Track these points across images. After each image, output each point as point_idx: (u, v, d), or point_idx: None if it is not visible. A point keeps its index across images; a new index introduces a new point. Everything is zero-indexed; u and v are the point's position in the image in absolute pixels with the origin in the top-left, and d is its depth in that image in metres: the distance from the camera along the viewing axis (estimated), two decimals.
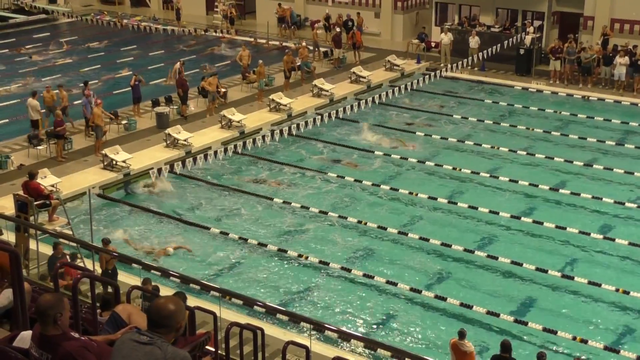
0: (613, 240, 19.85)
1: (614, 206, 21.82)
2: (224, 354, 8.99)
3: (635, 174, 23.87)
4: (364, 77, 33.18)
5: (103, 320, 7.48)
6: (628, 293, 17.37)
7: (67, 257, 16.73)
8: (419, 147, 26.57)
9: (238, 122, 27.53)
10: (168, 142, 25.66)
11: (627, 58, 31.07)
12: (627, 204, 21.86)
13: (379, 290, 17.91)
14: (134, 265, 15.63)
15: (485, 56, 33.62)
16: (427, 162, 25.10)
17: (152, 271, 15.73)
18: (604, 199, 22.07)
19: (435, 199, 22.34)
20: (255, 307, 15.84)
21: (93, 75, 33.56)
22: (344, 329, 14.49)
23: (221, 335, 9.35)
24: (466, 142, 26.96)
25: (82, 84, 28.33)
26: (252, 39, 39.49)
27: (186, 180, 23.99)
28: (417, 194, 22.65)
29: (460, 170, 24.42)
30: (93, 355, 5.63)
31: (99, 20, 45.47)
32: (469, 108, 30.68)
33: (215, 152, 24.76)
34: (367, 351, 15.22)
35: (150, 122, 27.84)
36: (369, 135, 27.54)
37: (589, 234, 20.14)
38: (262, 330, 9.87)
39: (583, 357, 14.76)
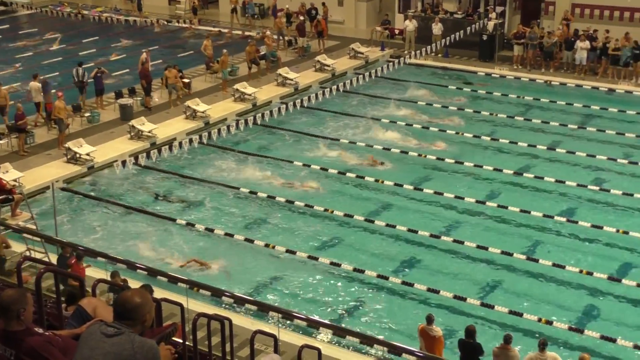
0: (576, 222, 20.12)
1: (577, 189, 22.10)
2: (191, 345, 8.96)
3: (597, 156, 24.19)
4: (329, 66, 33.19)
5: (69, 315, 7.43)
6: (591, 274, 17.65)
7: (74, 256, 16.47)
8: (385, 135, 26.63)
9: (202, 112, 27.40)
10: (132, 133, 25.46)
11: (587, 42, 31.41)
12: (590, 187, 22.16)
13: (347, 277, 17.98)
14: (99, 258, 15.50)
15: (448, 42, 33.79)
16: (392, 150, 25.18)
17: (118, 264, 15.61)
18: (567, 182, 22.34)
19: (401, 185, 22.45)
20: (223, 297, 15.83)
21: (57, 67, 33.18)
22: (312, 317, 14.53)
23: (189, 326, 9.32)
24: (431, 128, 27.09)
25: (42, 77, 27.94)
26: (215, 29, 39.21)
27: (151, 172, 23.83)
28: (383, 181, 22.74)
29: (425, 156, 24.56)
30: (57, 349, 5.60)
31: (59, 12, 44.88)
32: (434, 94, 30.80)
33: (180, 143, 24.68)
34: (336, 339, 15.29)
35: (113, 114, 27.60)
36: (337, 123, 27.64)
37: (552, 217, 20.40)
38: (229, 320, 9.85)
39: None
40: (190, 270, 17.96)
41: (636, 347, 15.03)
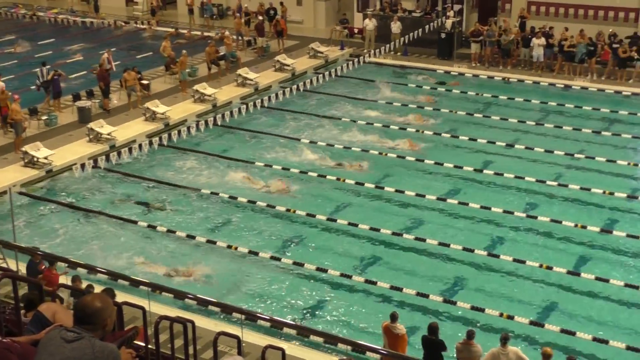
0: (535, 218, 20.37)
1: (536, 184, 22.37)
2: (154, 348, 8.90)
3: (555, 152, 24.51)
4: (288, 65, 33.17)
5: (27, 321, 7.33)
6: (551, 268, 17.87)
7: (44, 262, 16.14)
8: (345, 134, 26.69)
9: (162, 114, 27.20)
10: (91, 136, 25.19)
11: (543, 39, 31.82)
12: (548, 182, 22.44)
13: (310, 277, 17.99)
14: (60, 263, 15.35)
15: (407, 41, 33.98)
16: (353, 148, 25.26)
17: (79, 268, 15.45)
18: (526, 178, 22.60)
19: (362, 184, 22.53)
20: (186, 300, 15.74)
21: (13, 70, 32.69)
22: (276, 317, 14.53)
23: (151, 330, 9.27)
24: (391, 127, 27.21)
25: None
26: (173, 30, 38.96)
27: (111, 175, 23.61)
28: (344, 180, 22.79)
29: (386, 155, 24.68)
30: (16, 356, 5.52)
31: (13, 14, 44.22)
32: (394, 93, 30.96)
33: (140, 145, 24.48)
34: (300, 338, 15.28)
35: (71, 117, 27.28)
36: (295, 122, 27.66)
37: (512, 213, 20.62)
38: (192, 322, 9.82)
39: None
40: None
41: (595, 339, 15.26)
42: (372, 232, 19.81)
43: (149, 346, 8.92)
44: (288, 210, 21.03)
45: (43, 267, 15.52)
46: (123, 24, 41.82)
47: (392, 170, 23.83)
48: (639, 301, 16.88)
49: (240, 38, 36.43)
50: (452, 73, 33.06)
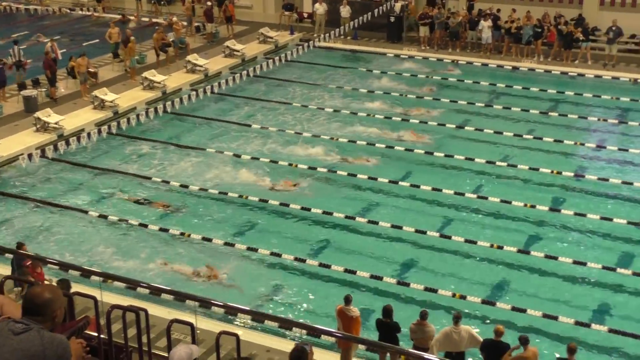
0: (486, 198, 20.63)
1: (486, 166, 22.63)
2: (106, 337, 8.82)
3: (504, 133, 24.82)
4: (238, 51, 32.98)
5: None
6: (501, 248, 18.14)
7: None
8: (297, 119, 26.68)
9: (111, 102, 26.85)
10: (38, 126, 24.77)
11: (490, 21, 32.12)
12: (498, 163, 22.73)
13: (264, 262, 17.97)
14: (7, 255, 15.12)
15: (356, 25, 34.01)
16: (304, 134, 25.27)
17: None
18: (476, 160, 22.86)
19: (315, 168, 22.55)
20: (139, 288, 15.64)
21: None
22: (230, 303, 14.47)
23: (104, 320, 9.18)
24: (342, 111, 27.26)
25: None
26: (120, 16, 38.41)
27: (60, 164, 23.26)
28: (297, 165, 22.79)
29: (337, 139, 24.72)
30: None
31: None
32: (344, 77, 31.02)
33: (89, 134, 24.16)
34: (254, 324, 15.29)
35: (17, 106, 26.79)
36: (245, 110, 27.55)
37: (463, 194, 20.85)
38: (145, 311, 9.74)
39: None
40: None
41: (545, 316, 15.55)
42: (325, 215, 19.86)
43: (102, 336, 8.84)
44: (240, 196, 20.95)
45: (29, 262, 15.02)
46: (68, 10, 41.08)
47: (344, 154, 23.85)
48: (587, 277, 17.22)
49: (189, 24, 36.09)
50: (402, 56, 33.20)
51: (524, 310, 15.73)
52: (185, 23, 35.51)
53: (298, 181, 21.94)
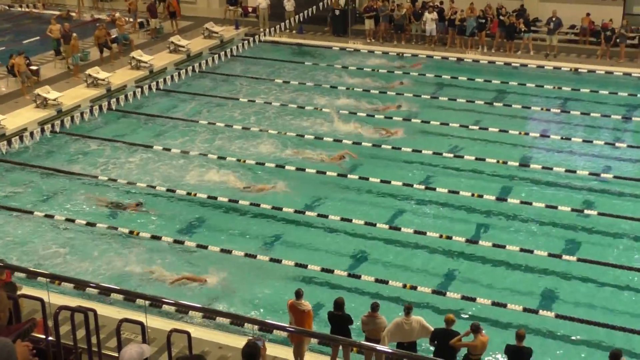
0: (434, 189, 20.82)
1: (433, 157, 22.84)
2: (55, 339, 8.69)
3: (450, 124, 25.08)
4: (183, 46, 32.72)
5: None
6: (450, 238, 18.33)
7: None
8: (244, 114, 26.58)
9: (54, 100, 26.41)
10: None
11: (435, 14, 32.40)
12: (445, 154, 22.95)
13: (214, 259, 17.85)
14: None
15: (301, 18, 34.00)
16: (252, 129, 25.19)
17: None
18: (423, 151, 23.05)
19: (263, 164, 22.49)
20: (88, 289, 15.43)
21: None
22: (181, 301, 14.36)
23: (52, 321, 9.04)
24: (290, 105, 27.24)
25: None
26: (62, 12, 37.75)
27: (2, 165, 22.79)
28: (244, 161, 22.71)
29: (285, 134, 24.69)
30: None
31: None
32: (290, 71, 31.00)
33: (32, 133, 23.72)
34: (206, 321, 15.20)
35: None
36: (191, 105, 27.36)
37: (411, 186, 21.01)
38: (94, 311, 9.62)
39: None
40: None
41: (494, 304, 15.78)
42: (274, 210, 19.84)
43: (50, 338, 8.71)
44: (189, 193, 20.80)
45: None
46: (7, 7, 40.22)
47: (294, 147, 23.80)
48: (534, 265, 17.51)
49: (132, 20, 35.66)
50: (347, 49, 33.31)
51: (473, 299, 15.94)
52: (128, 19, 35.06)
53: (251, 175, 21.84)
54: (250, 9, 37.55)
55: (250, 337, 12.77)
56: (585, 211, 19.65)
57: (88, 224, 19.29)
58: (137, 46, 32.37)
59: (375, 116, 26.01)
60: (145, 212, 19.99)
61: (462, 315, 15.28)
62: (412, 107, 26.89)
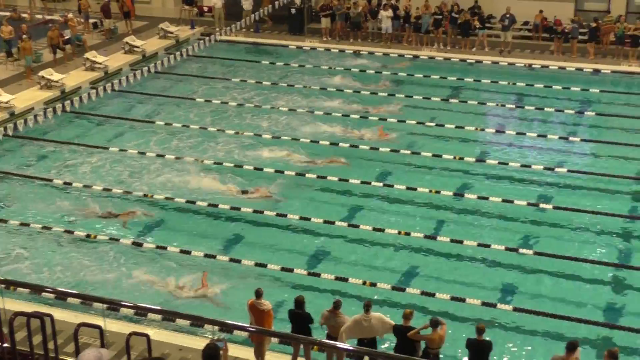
0: (392, 186, 20.92)
1: (391, 154, 22.94)
2: (10, 346, 8.56)
3: (407, 121, 25.21)
4: (138, 47, 32.43)
5: None
6: (409, 234, 18.45)
7: None
8: (201, 114, 26.45)
9: (6, 102, 25.99)
10: None
11: (391, 11, 32.56)
12: (402, 151, 23.06)
13: (173, 260, 17.73)
14: None
15: (258, 17, 33.91)
16: (209, 129, 25.08)
17: None
18: (381, 149, 23.15)
19: (221, 163, 22.40)
20: (44, 294, 15.19)
21: None
22: (139, 304, 14.24)
23: (6, 328, 8.90)
24: (246, 104, 27.17)
25: None
26: (13, 13, 37.09)
27: None
28: (203, 161, 22.61)
29: (242, 133, 24.62)
30: None
31: None
32: (247, 71, 30.92)
33: None
34: (166, 323, 15.08)
35: None
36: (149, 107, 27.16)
37: (369, 183, 21.09)
38: (50, 316, 9.50)
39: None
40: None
41: (453, 298, 15.91)
42: (232, 211, 19.77)
43: (5, 345, 8.58)
44: (145, 195, 20.63)
45: None
46: None
47: (248, 147, 23.73)
48: (492, 259, 17.70)
49: (86, 20, 35.24)
50: (304, 48, 33.32)
51: (433, 295, 16.06)
52: (81, 19, 34.65)
53: (210, 176, 21.72)
54: (205, 9, 37.34)
55: (212, 339, 12.75)
56: (541, 205, 19.92)
57: (44, 227, 19.01)
58: (91, 47, 31.99)
59: (333, 114, 26.03)
60: (109, 216, 19.73)
61: (422, 311, 15.35)
62: (369, 105, 26.97)
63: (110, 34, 34.44)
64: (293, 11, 34.89)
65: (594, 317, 15.57)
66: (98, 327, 9.88)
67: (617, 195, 20.69)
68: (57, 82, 28.13)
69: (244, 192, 20.59)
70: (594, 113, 26.25)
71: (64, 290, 14.00)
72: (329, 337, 13.39)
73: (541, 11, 32.17)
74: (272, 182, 21.31)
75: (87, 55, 30.37)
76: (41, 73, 28.15)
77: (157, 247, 18.14)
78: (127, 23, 34.95)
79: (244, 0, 34.71)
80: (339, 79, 29.59)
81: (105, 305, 13.10)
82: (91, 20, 35.42)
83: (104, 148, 23.69)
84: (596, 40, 30.92)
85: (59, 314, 12.46)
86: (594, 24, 30.77)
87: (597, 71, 29.84)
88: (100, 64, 30.23)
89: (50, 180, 21.60)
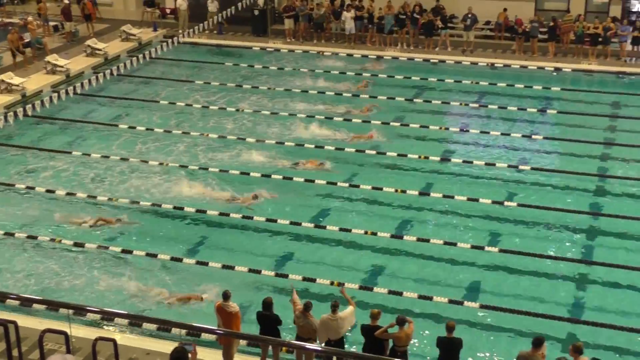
0: (358, 186, 20.96)
1: (356, 155, 23.00)
2: None
3: (372, 122, 25.29)
4: (100, 50, 32.17)
5: None
6: (375, 234, 18.51)
7: None
8: (166, 116, 26.30)
9: None
10: None
11: (354, 11, 32.65)
12: (367, 151, 23.13)
13: (136, 262, 17.57)
14: None
15: (221, 19, 33.80)
16: (174, 131, 24.96)
17: None
18: (346, 149, 23.20)
19: (186, 166, 22.28)
20: (8, 300, 14.97)
21: None
22: (106, 308, 14.12)
23: None
24: (211, 107, 27.07)
25: None
26: None
27: None
28: (167, 164, 22.49)
29: (207, 135, 24.53)
30: None
31: None
32: (211, 73, 30.80)
33: None
34: (133, 328, 14.95)
35: None
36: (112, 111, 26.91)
37: (335, 184, 21.11)
38: (14, 323, 9.36)
39: None
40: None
41: (420, 297, 16.00)
42: (198, 214, 19.67)
43: None
44: (110, 199, 20.44)
45: None
46: None
47: (215, 150, 23.64)
48: (458, 257, 17.82)
49: (46, 23, 34.85)
50: (268, 49, 33.29)
51: (400, 293, 16.13)
52: (41, 22, 34.24)
53: (174, 179, 21.58)
54: (168, 11, 37.13)
55: (180, 342, 12.67)
56: (506, 203, 20.11)
57: (6, 233, 18.75)
58: (52, 50, 31.64)
59: (298, 115, 26.04)
60: (78, 222, 19.53)
61: (390, 310, 15.39)
62: (336, 105, 27.00)
63: (72, 37, 34.09)
64: (256, 12, 34.83)
65: (559, 312, 15.76)
66: (64, 333, 9.76)
67: (579, 192, 20.95)
68: (17, 85, 27.79)
69: (235, 199, 20.41)
70: (555, 111, 26.57)
71: (29, 296, 13.81)
72: (298, 338, 13.38)
73: (505, 10, 32.46)
74: (236, 184, 21.22)
75: (48, 58, 30.03)
76: (1, 77, 27.79)
77: (123, 250, 17.97)
78: (89, 26, 34.64)
79: (210, 2, 34.56)
80: (303, 80, 29.59)
81: (71, 311, 12.96)
82: (52, 23, 35.04)
83: (66, 152, 23.43)
84: (556, 39, 31.32)
85: (23, 321, 12.29)
86: (552, 23, 31.16)
87: (558, 70, 30.22)
88: (61, 67, 29.92)
89: (13, 185, 21.30)
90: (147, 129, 25.11)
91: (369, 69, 30.67)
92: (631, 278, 16.90)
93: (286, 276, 16.83)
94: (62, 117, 26.29)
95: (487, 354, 14.69)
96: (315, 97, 27.81)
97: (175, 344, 10.83)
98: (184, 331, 13.50)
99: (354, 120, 25.49)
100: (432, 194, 20.57)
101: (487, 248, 17.97)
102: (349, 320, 13.29)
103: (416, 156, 22.74)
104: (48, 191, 20.94)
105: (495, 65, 30.93)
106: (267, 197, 20.54)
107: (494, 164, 22.37)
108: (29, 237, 18.62)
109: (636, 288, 16.68)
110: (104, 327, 14.83)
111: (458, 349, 12.82)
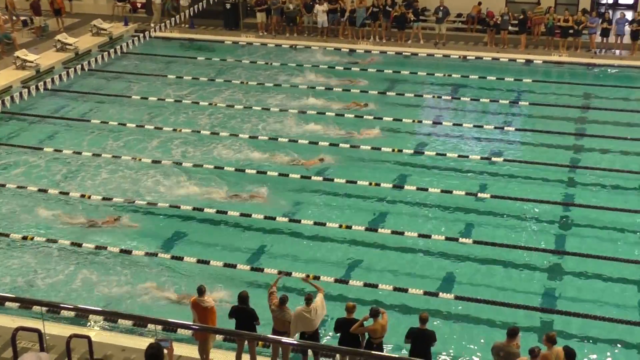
0: (332, 180, 20.99)
1: (330, 148, 22.99)
2: None
3: (345, 115, 25.32)
4: (71, 44, 31.86)
5: None
6: (350, 227, 18.55)
7: None
8: (137, 112, 26.13)
9: None
10: None
11: (326, 5, 32.62)
12: (341, 145, 23.15)
13: (111, 260, 17.46)
14: None
15: (192, 13, 33.60)
16: (146, 126, 24.83)
17: None
18: (320, 143, 23.20)
19: (159, 162, 22.17)
20: None
21: None
22: (80, 305, 14.03)
23: None
24: (184, 101, 26.94)
25: None
26: None
27: None
28: (140, 159, 22.36)
29: (180, 131, 24.43)
30: None
31: None
32: (183, 67, 30.65)
33: None
34: (107, 324, 14.86)
35: None
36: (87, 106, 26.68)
37: (309, 178, 21.12)
38: None
39: None
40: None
41: (395, 289, 16.07)
42: (171, 209, 19.59)
43: None
44: (83, 195, 20.29)
45: None
46: None
47: (191, 144, 23.54)
48: (432, 249, 17.91)
49: (15, 18, 34.44)
50: (240, 43, 33.18)
51: (375, 286, 16.20)
52: (7, 17, 33.82)
53: (148, 174, 21.47)
54: (139, 5, 36.85)
55: (156, 338, 12.62)
56: (479, 195, 20.23)
57: None
58: (21, 45, 31.30)
59: (271, 109, 26.00)
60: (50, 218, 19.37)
61: (366, 303, 15.42)
62: (308, 98, 26.99)
63: (41, 32, 33.73)
64: (228, 6, 34.67)
65: (533, 302, 15.90)
66: (37, 330, 9.68)
67: (552, 183, 21.13)
68: None
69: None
70: (527, 103, 26.76)
71: (1, 294, 13.67)
72: (274, 331, 13.38)
73: (480, 3, 32.59)
74: (209, 179, 21.15)
75: (18, 53, 29.70)
76: None
77: (96, 247, 17.85)
78: (59, 20, 34.30)
79: None
80: (276, 74, 29.53)
81: (44, 308, 12.84)
82: (21, 18, 34.62)
83: (38, 149, 23.20)
84: (527, 31, 31.52)
85: None
86: (522, 16, 31.36)
87: (529, 61, 30.43)
88: (31, 62, 29.59)
89: None
90: (119, 124, 24.92)
91: (347, 63, 30.70)
92: (603, 268, 17.10)
93: (262, 270, 16.82)
94: (32, 112, 26.04)
95: (463, 345, 14.79)
96: (289, 91, 27.75)
97: (151, 340, 10.81)
98: (159, 327, 13.42)
99: (327, 113, 25.47)
100: (406, 187, 20.65)
101: (461, 240, 18.08)
102: (321, 309, 13.30)
103: (389, 149, 22.79)
104: (19, 187, 20.73)
105: (467, 57, 31.06)
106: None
107: (467, 156, 22.50)
108: (1, 235, 18.43)
109: (608, 278, 16.88)
110: (79, 324, 14.73)
111: (429, 342, 12.74)
